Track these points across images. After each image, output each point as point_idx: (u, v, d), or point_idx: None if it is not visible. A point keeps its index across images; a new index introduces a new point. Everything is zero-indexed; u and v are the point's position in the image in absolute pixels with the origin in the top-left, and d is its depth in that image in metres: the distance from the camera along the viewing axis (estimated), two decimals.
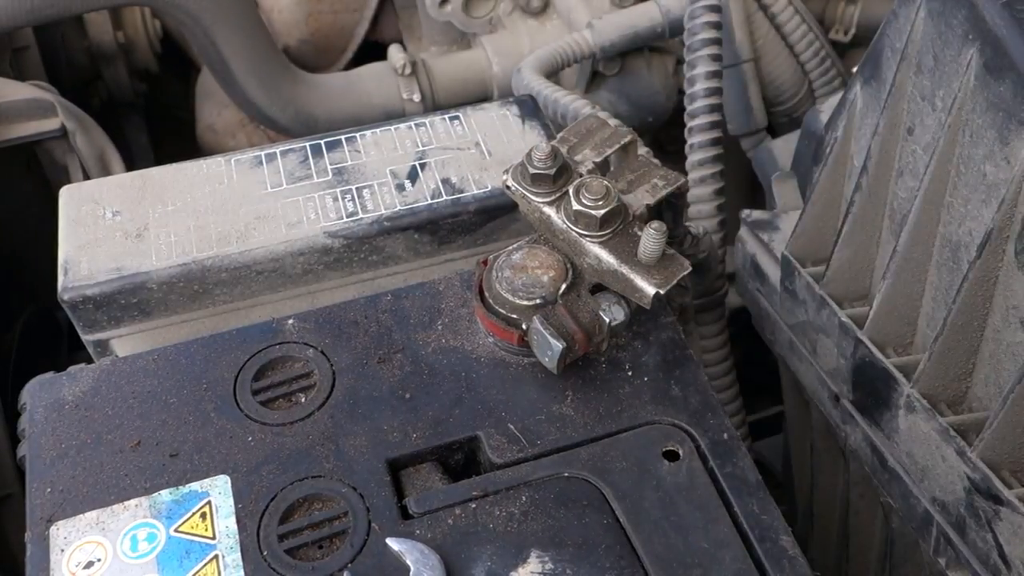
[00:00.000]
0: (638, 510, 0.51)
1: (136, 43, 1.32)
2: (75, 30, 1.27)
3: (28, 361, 0.98)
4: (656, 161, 0.62)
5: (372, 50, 1.29)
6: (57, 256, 0.66)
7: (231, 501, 0.52)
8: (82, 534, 0.51)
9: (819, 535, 0.84)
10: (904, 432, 0.60)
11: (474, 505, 0.51)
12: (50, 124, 0.97)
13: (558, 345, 0.53)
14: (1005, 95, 0.51)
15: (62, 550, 0.50)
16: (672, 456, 0.53)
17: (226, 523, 0.51)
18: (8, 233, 1.00)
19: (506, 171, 0.58)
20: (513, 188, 0.58)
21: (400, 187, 0.70)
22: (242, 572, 0.49)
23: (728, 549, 0.50)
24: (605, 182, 0.56)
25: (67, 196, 0.70)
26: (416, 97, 1.15)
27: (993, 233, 0.52)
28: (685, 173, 0.84)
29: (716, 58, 0.86)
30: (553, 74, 1.02)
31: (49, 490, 0.52)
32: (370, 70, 1.18)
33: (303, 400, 0.56)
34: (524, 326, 0.55)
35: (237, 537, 0.50)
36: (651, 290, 0.54)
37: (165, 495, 0.52)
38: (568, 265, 0.57)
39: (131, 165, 0.98)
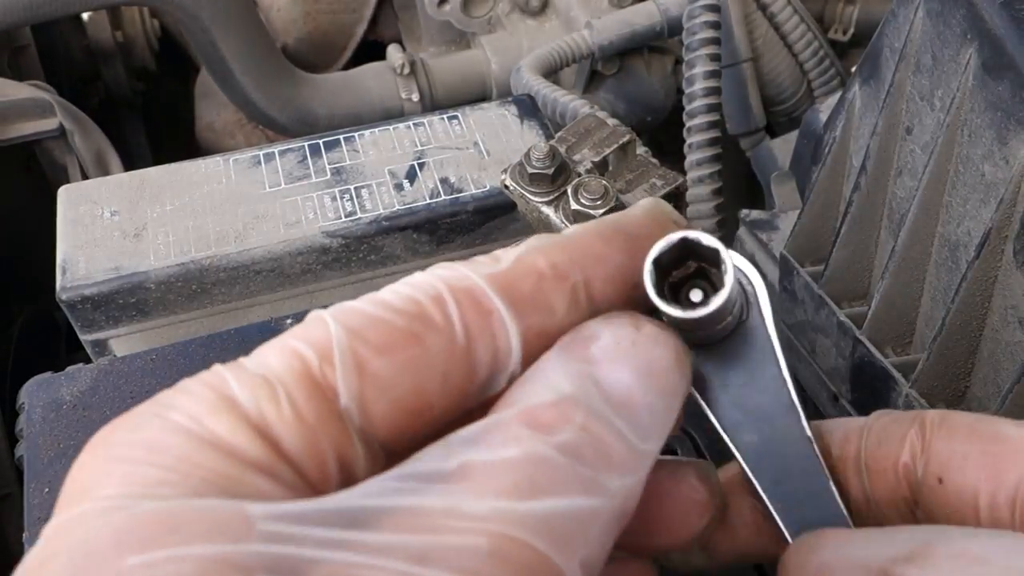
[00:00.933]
0: None
1: (135, 42, 1.32)
2: (73, 29, 1.27)
3: (26, 361, 0.97)
4: (655, 161, 0.62)
5: (371, 49, 1.29)
6: (55, 256, 0.66)
7: None
8: None
9: None
10: None
11: None
12: (48, 124, 0.97)
13: None
14: (1004, 95, 0.51)
15: None
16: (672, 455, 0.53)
17: None
18: (6, 233, 1.00)
19: (504, 171, 0.58)
20: (511, 188, 0.58)
21: (399, 187, 0.70)
22: None
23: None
24: (604, 182, 0.56)
25: (65, 196, 0.70)
26: (415, 97, 1.15)
27: (992, 233, 0.52)
28: (684, 173, 0.84)
29: (715, 58, 0.86)
30: (552, 73, 1.02)
31: (47, 490, 0.52)
32: (369, 70, 1.18)
33: None
34: None
35: None
36: None
37: None
38: None
39: (129, 165, 0.98)
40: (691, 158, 0.85)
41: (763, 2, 1.02)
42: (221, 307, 0.67)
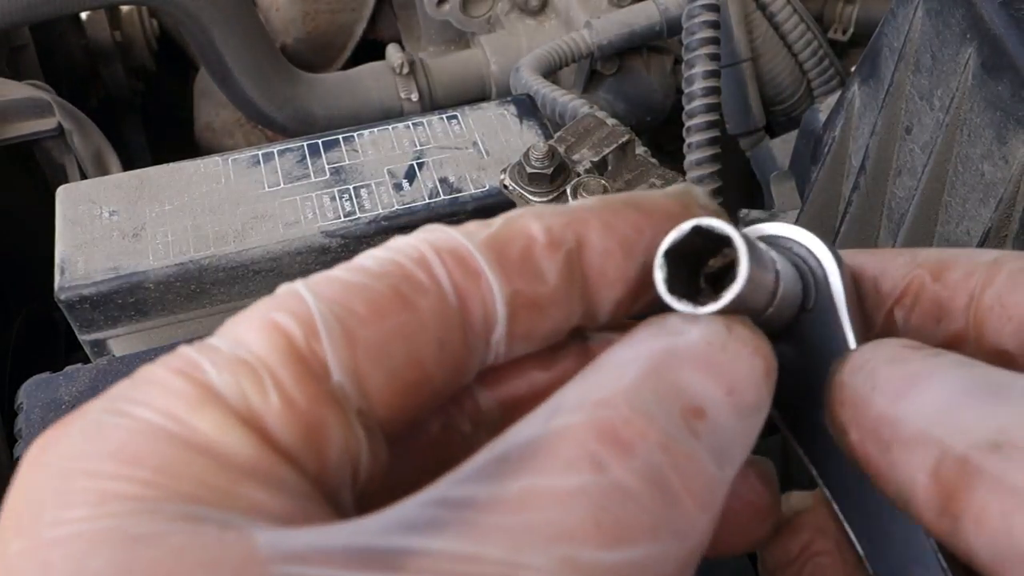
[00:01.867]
0: None
1: (134, 42, 1.32)
2: (72, 29, 1.27)
3: (25, 361, 0.97)
4: (654, 160, 0.62)
5: (370, 49, 1.29)
6: (54, 256, 0.66)
7: None
8: None
9: None
10: None
11: None
12: (47, 123, 0.97)
13: None
14: (1003, 94, 0.51)
15: None
16: None
17: None
18: (5, 232, 1.00)
19: (503, 170, 0.58)
20: (510, 187, 0.58)
21: (398, 187, 0.70)
22: None
23: (730, 560, 0.50)
24: (603, 181, 0.56)
25: (64, 196, 0.70)
26: (414, 96, 1.15)
27: (991, 232, 0.52)
28: (683, 172, 0.84)
29: (714, 57, 0.86)
30: (551, 73, 1.01)
31: None
32: (368, 69, 1.18)
33: None
34: None
35: None
36: None
37: None
38: None
39: (128, 164, 0.98)
40: (690, 158, 0.85)
41: (762, 2, 1.02)
42: (220, 307, 0.67)
